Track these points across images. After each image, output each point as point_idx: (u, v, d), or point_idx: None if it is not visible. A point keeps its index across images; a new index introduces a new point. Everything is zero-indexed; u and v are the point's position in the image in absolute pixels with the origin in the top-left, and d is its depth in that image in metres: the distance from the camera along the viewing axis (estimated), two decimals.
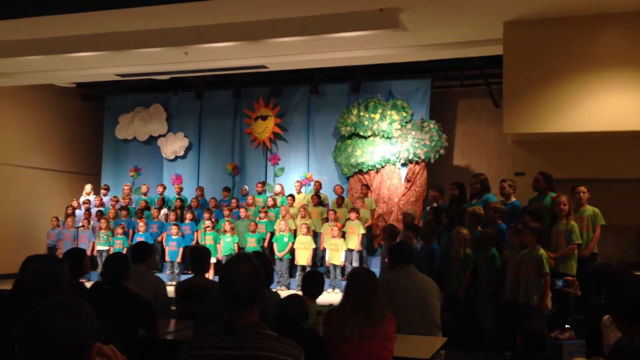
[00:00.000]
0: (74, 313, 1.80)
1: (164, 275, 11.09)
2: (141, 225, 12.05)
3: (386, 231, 7.91)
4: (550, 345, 6.46)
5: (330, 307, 4.38)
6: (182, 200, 13.07)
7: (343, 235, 10.93)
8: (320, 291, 4.87)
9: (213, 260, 10.54)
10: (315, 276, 4.99)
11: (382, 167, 12.50)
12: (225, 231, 11.53)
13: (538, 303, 6.29)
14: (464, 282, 7.09)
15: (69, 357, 1.74)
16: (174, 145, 14.40)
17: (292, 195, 12.22)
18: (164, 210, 12.79)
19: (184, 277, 9.86)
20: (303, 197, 12.39)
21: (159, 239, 12.12)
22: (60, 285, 2.92)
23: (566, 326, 6.73)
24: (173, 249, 11.73)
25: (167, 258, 11.84)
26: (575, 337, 6.62)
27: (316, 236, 11.44)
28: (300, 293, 4.64)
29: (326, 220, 11.47)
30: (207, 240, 11.47)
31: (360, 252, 11.00)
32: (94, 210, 13.10)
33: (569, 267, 6.80)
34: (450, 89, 13.39)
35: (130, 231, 12.30)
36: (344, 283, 4.07)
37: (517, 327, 6.47)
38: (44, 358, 1.72)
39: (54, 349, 1.73)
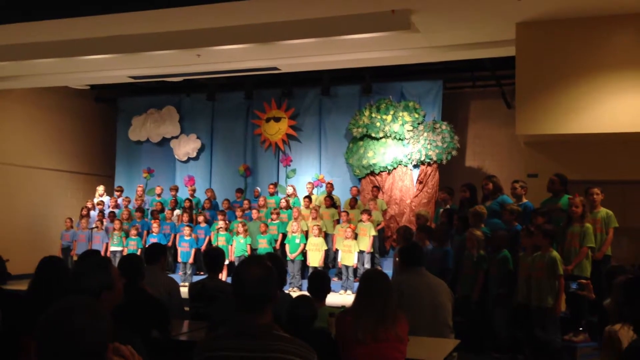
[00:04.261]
0: (93, 313, 1.81)
1: (176, 277, 11.14)
2: (155, 226, 12.13)
3: (400, 232, 7.89)
4: (564, 348, 6.44)
5: (343, 309, 4.38)
6: (192, 201, 13.13)
7: (355, 237, 10.93)
8: (327, 291, 4.82)
9: (226, 261, 10.57)
10: (320, 277, 4.91)
11: (394, 168, 12.49)
12: (238, 232, 11.56)
13: (552, 306, 6.26)
14: (477, 283, 7.07)
15: (88, 357, 1.75)
16: (186, 147, 14.47)
17: (309, 197, 12.22)
18: (177, 212, 12.85)
19: (196, 278, 9.90)
20: (315, 198, 12.41)
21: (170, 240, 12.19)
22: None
23: (580, 329, 6.70)
24: (185, 250, 11.79)
25: (179, 259, 11.90)
26: (589, 340, 6.59)
27: (327, 237, 11.45)
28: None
29: (337, 221, 11.48)
30: (220, 242, 11.51)
31: (371, 253, 10.99)
32: (107, 212, 13.18)
33: (582, 269, 6.77)
34: (462, 90, 13.36)
35: (144, 232, 12.38)
36: (356, 284, 4.08)
37: (529, 329, 6.48)
38: (63, 358, 1.74)
39: (74, 349, 1.74)
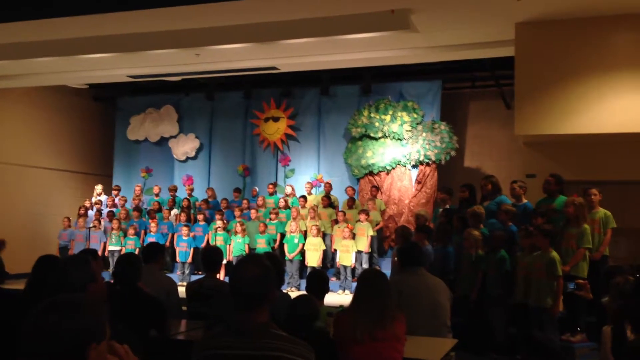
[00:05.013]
0: (71, 312, 1.78)
1: (174, 276, 11.12)
2: (153, 225, 12.12)
3: (398, 232, 7.89)
4: (562, 348, 6.44)
5: (341, 309, 4.38)
6: (190, 201, 13.12)
7: (353, 237, 10.92)
8: (326, 291, 4.81)
9: (224, 261, 10.55)
10: (319, 277, 4.90)
11: (393, 168, 12.49)
12: (236, 232, 11.55)
13: (550, 306, 6.26)
14: (475, 283, 7.07)
15: (67, 356, 1.74)
16: (185, 146, 14.45)
17: (304, 197, 12.22)
18: (175, 211, 12.84)
19: (194, 278, 9.88)
20: (313, 198, 12.40)
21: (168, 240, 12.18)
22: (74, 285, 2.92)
23: (577, 329, 6.70)
24: (183, 250, 11.78)
25: (177, 259, 11.89)
26: (587, 340, 6.59)
27: (325, 237, 11.44)
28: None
29: (335, 221, 11.47)
30: (218, 241, 11.50)
31: (369, 253, 10.99)
32: (105, 211, 13.17)
33: (579, 269, 6.78)
34: (460, 90, 13.35)
35: (142, 232, 12.37)
36: (354, 284, 4.08)
37: (527, 329, 6.49)
38: (43, 357, 1.73)
39: (51, 348, 1.73)
